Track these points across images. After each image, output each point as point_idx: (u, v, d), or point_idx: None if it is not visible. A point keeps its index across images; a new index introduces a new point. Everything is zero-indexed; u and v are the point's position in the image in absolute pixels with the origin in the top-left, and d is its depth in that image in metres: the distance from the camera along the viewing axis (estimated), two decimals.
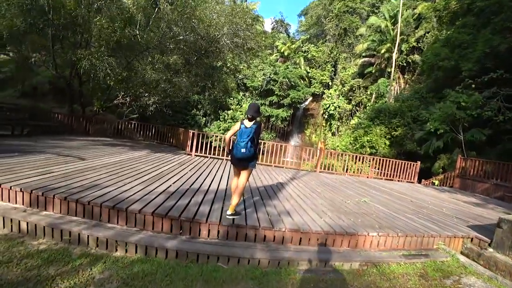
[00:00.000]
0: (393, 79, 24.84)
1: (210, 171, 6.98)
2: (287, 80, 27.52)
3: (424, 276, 3.42)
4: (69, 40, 11.06)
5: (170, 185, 4.84)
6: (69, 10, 9.62)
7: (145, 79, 10.32)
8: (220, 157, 10.02)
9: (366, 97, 26.81)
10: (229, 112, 25.33)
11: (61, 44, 11.16)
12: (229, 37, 11.59)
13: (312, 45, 35.39)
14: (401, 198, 7.25)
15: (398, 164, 11.60)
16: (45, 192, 3.48)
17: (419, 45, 24.18)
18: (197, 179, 5.80)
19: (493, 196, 9.61)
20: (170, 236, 3.31)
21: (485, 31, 13.12)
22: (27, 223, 3.17)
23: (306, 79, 32.56)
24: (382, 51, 25.17)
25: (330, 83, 32.13)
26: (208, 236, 3.45)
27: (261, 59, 29.25)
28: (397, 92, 24.84)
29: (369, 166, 12.10)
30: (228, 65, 16.16)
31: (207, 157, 9.88)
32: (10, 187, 3.54)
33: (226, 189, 5.27)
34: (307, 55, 34.06)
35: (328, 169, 11.03)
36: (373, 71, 26.97)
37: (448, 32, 17.07)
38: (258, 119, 3.75)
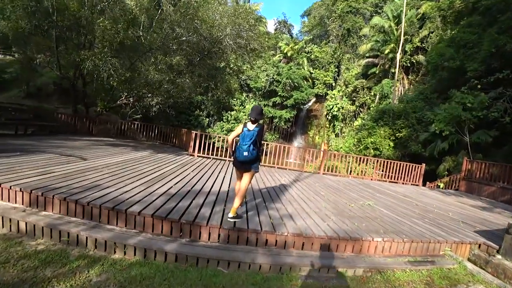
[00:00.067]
0: (397, 80, 24.61)
1: (212, 172, 6.93)
2: (290, 81, 27.45)
3: (430, 284, 3.32)
4: (73, 42, 11.11)
5: (171, 187, 4.79)
6: (72, 11, 9.68)
7: (148, 80, 10.32)
8: (223, 158, 9.97)
9: (369, 98, 26.59)
10: (232, 113, 25.32)
11: (65, 46, 11.23)
12: (232, 38, 11.56)
13: (315, 45, 35.27)
14: (406, 202, 7.13)
15: (403, 166, 11.45)
16: (45, 192, 3.45)
17: (423, 45, 23.92)
18: (199, 180, 5.75)
19: (500, 199, 9.40)
20: (170, 239, 3.25)
21: (491, 30, 12.88)
22: (26, 223, 3.14)
23: (310, 80, 32.45)
24: (386, 52, 24.96)
25: (333, 84, 31.96)
26: (209, 239, 3.38)
27: (264, 60, 29.23)
28: (401, 93, 24.61)
29: (373, 168, 11.95)
30: (231, 66, 16.14)
31: (210, 158, 9.84)
32: (10, 186, 3.51)
33: (228, 191, 5.21)
34: (310, 56, 33.95)
35: (332, 171, 10.91)
36: (377, 72, 26.76)
37: (453, 32, 16.86)
38: (261, 121, 3.72)
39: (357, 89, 27.73)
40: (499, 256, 3.93)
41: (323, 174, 10.47)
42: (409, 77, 26.06)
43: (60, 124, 11.66)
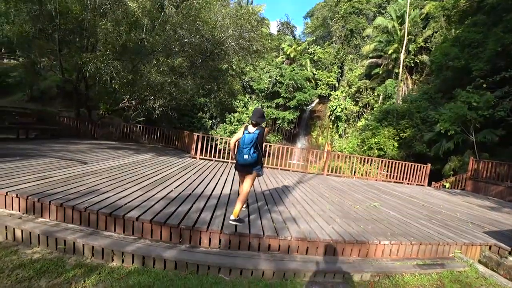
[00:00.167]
0: (401, 80, 24.39)
1: (214, 175, 6.83)
2: (293, 82, 27.36)
3: None
4: (75, 44, 11.13)
5: (172, 190, 4.69)
6: (75, 14, 9.67)
7: (150, 82, 10.28)
8: (225, 160, 9.88)
9: (373, 99, 26.40)
10: (235, 114, 25.27)
11: (68, 49, 11.26)
12: (234, 39, 11.50)
13: (318, 46, 35.19)
14: (412, 202, 6.96)
15: (408, 166, 11.26)
16: (41, 198, 3.36)
17: (427, 45, 23.71)
18: (200, 183, 5.64)
19: (507, 199, 9.19)
20: (169, 245, 3.14)
21: (496, 29, 12.76)
22: (22, 230, 3.05)
23: (313, 81, 32.33)
24: (389, 52, 24.79)
25: (336, 85, 31.81)
26: (209, 245, 3.27)
27: (267, 62, 29.18)
28: (405, 93, 24.39)
29: (377, 169, 11.79)
30: (233, 67, 16.08)
31: (212, 160, 9.75)
32: (6, 192, 3.43)
33: (229, 194, 5.10)
34: (313, 57, 33.85)
35: (336, 172, 10.76)
36: (380, 72, 26.57)
37: (458, 31, 16.69)
38: (263, 124, 3.69)
39: (361, 90, 27.56)
40: (511, 258, 3.78)
41: (327, 175, 10.33)
42: (413, 77, 25.84)
43: (63, 128, 11.65)
